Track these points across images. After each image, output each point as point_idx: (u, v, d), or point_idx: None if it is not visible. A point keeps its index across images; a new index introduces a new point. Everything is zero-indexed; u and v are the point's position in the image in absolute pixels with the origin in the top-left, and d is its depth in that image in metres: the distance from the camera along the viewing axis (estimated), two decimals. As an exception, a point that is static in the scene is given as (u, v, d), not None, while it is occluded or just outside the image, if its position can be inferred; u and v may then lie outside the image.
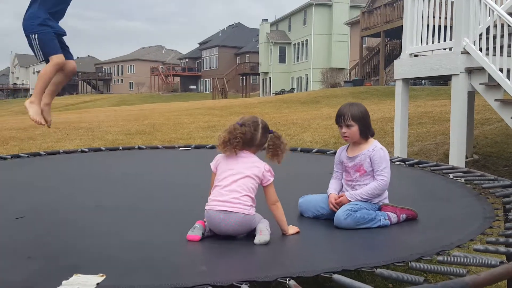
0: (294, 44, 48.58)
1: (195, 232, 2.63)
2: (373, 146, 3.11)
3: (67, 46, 3.76)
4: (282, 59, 49.51)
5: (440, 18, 6.89)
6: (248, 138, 2.71)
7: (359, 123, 3.10)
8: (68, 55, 3.70)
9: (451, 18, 6.59)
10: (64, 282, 1.99)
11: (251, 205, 2.65)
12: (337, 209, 3.04)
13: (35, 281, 2.08)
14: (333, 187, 3.24)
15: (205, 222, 2.71)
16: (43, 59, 3.56)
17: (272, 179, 2.72)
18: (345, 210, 2.95)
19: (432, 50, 6.86)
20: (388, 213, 3.07)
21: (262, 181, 2.71)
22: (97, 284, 1.99)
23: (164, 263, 2.36)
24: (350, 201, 3.04)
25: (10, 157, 5.77)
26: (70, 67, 3.68)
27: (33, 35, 3.55)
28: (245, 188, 2.64)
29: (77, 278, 2.03)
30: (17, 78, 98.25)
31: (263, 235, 2.59)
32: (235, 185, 2.64)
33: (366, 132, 3.13)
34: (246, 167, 2.68)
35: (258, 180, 2.69)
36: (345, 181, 3.22)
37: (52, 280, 2.01)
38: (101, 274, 2.07)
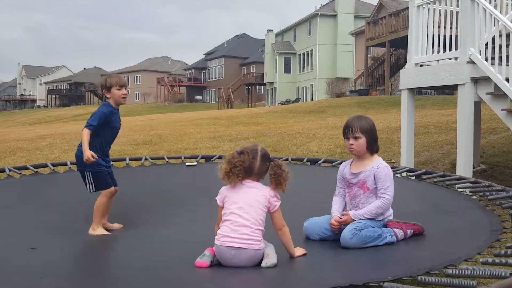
0: (299, 54, 48.68)
1: (204, 259, 2.60)
2: (378, 164, 3.09)
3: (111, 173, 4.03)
4: (287, 69, 49.60)
5: (445, 27, 6.89)
6: (246, 166, 2.68)
7: (367, 136, 3.08)
8: (113, 181, 3.97)
9: (457, 28, 6.59)
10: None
11: (261, 239, 2.63)
12: (338, 231, 3.02)
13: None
14: (336, 207, 3.20)
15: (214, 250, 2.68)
16: (94, 190, 3.81)
17: (278, 203, 2.71)
18: (351, 229, 2.92)
19: (438, 60, 6.85)
20: (394, 229, 3.04)
21: (269, 209, 2.69)
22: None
23: (171, 282, 2.36)
24: (354, 220, 3.02)
25: (18, 171, 5.74)
26: (114, 191, 3.92)
27: (88, 173, 3.83)
28: (255, 222, 2.62)
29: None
30: (24, 89, 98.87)
31: (270, 258, 2.58)
32: (245, 220, 2.61)
33: (373, 146, 3.12)
34: (252, 198, 2.66)
35: (266, 208, 2.68)
36: (348, 199, 3.19)
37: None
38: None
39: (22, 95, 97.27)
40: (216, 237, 2.65)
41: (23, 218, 4.06)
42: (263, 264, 2.56)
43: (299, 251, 2.77)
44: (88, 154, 3.70)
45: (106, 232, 3.64)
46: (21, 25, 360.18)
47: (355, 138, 3.08)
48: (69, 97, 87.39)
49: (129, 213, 4.00)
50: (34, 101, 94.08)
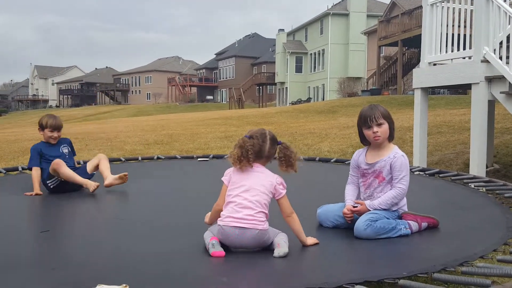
0: (311, 54, 48.61)
1: (218, 249, 2.61)
2: (394, 153, 3.05)
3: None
4: (298, 69, 49.54)
5: (459, 26, 6.85)
6: (257, 150, 2.71)
7: (389, 120, 3.06)
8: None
9: (471, 27, 6.55)
10: (88, 291, 2.01)
11: (264, 220, 2.65)
12: (351, 220, 3.02)
13: (60, 291, 2.10)
14: (349, 195, 3.19)
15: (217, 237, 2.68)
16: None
17: (284, 191, 2.73)
18: (365, 220, 2.91)
19: (452, 59, 6.81)
20: (409, 221, 3.03)
21: (274, 195, 2.71)
22: (120, 294, 2.00)
23: (185, 275, 2.37)
24: (368, 210, 3.01)
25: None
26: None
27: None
28: (259, 205, 2.64)
29: (100, 288, 2.05)
30: (36, 89, 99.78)
31: (281, 247, 2.59)
32: (249, 202, 2.64)
33: (393, 132, 3.09)
34: (258, 183, 2.68)
35: (271, 194, 2.70)
36: (363, 188, 3.17)
37: (76, 290, 2.03)
38: (124, 285, 2.08)
39: (34, 95, 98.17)
40: (219, 218, 2.69)
41: (39, 208, 4.20)
42: (275, 253, 2.57)
43: (311, 240, 2.77)
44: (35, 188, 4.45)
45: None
46: (33, 26, 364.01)
47: (379, 125, 3.03)
48: (81, 97, 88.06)
49: (138, 206, 4.03)
50: (46, 101, 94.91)
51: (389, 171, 3.04)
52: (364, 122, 3.07)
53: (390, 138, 3.10)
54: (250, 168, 2.72)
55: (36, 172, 4.56)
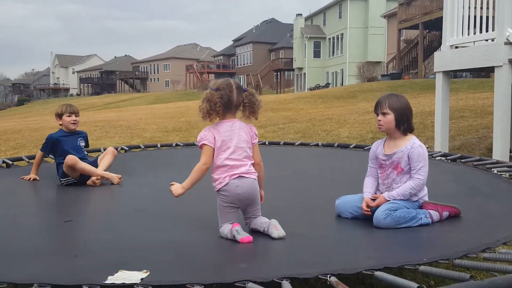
0: (329, 39, 48.14)
1: (244, 234, 2.62)
2: (412, 143, 3.01)
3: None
4: (317, 54, 49.12)
5: (481, 8, 6.70)
6: (226, 101, 2.74)
7: (396, 113, 3.00)
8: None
9: (493, 8, 6.40)
10: (109, 277, 2.04)
11: (254, 171, 2.77)
12: (370, 213, 2.99)
13: (82, 276, 2.13)
14: (368, 188, 3.15)
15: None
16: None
17: (257, 139, 2.85)
18: (385, 209, 2.88)
19: (474, 42, 6.68)
20: (430, 211, 2.99)
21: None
22: (141, 279, 2.02)
23: (204, 261, 2.39)
24: (387, 201, 2.97)
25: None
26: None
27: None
28: (248, 157, 2.76)
29: (122, 274, 2.08)
30: (58, 78, 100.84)
31: (279, 229, 2.65)
32: (240, 162, 2.72)
33: (402, 124, 3.03)
34: (241, 140, 2.75)
35: (251, 145, 2.80)
36: (381, 180, 3.14)
37: (98, 275, 2.06)
38: (145, 271, 2.11)
39: (55, 84, 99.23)
40: (218, 181, 2.71)
41: (60, 197, 4.26)
42: (275, 235, 2.62)
43: (262, 192, 2.85)
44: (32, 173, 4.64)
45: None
46: (53, 15, 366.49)
47: (383, 114, 3.03)
48: (101, 86, 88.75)
49: (157, 196, 4.06)
50: (67, 89, 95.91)
51: (407, 162, 3.00)
52: (374, 108, 3.12)
53: (407, 129, 3.06)
54: (227, 124, 2.76)
55: (39, 156, 4.70)
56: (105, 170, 4.60)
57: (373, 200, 3.04)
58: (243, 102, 2.79)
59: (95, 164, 4.68)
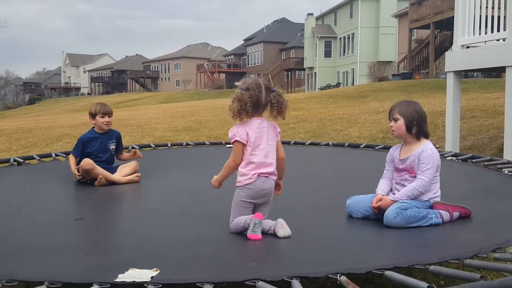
0: (340, 38, 48.01)
1: (258, 232, 2.66)
2: (423, 147, 3.04)
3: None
4: (327, 54, 49.01)
5: (493, 8, 6.66)
6: (255, 101, 2.79)
7: (405, 118, 3.06)
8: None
9: (505, 8, 6.36)
10: (120, 275, 2.06)
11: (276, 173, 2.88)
12: (377, 211, 3.01)
13: (93, 274, 2.15)
14: (381, 188, 3.18)
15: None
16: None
17: (279, 137, 2.95)
18: (395, 208, 2.90)
19: (485, 41, 6.64)
20: (440, 211, 2.99)
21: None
22: (152, 277, 2.04)
23: (214, 259, 2.40)
24: (390, 204, 2.98)
25: (64, 155, 5.96)
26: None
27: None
28: (274, 156, 2.85)
29: (132, 272, 2.09)
30: (69, 77, 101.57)
31: (285, 228, 2.69)
32: (271, 157, 2.82)
33: (413, 129, 3.06)
34: (269, 136, 2.83)
35: (275, 142, 2.88)
36: (395, 180, 3.17)
37: (108, 274, 2.08)
38: (155, 269, 2.12)
39: (66, 83, 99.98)
40: (247, 176, 2.77)
41: (71, 195, 4.30)
42: (281, 234, 2.66)
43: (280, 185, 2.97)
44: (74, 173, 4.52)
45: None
46: (65, 14, 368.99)
47: (394, 119, 3.11)
48: (112, 85, 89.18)
49: (168, 194, 4.08)
50: (78, 88, 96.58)
51: (418, 165, 3.03)
52: (388, 116, 3.20)
53: (420, 134, 3.08)
54: (257, 122, 2.82)
55: (72, 160, 4.59)
56: (124, 174, 4.58)
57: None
58: (270, 102, 2.85)
59: (115, 170, 4.64)
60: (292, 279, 1.95)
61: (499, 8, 6.55)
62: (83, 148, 4.61)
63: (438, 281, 2.89)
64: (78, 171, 4.47)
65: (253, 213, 2.81)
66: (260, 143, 2.80)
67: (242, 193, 2.80)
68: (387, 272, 2.00)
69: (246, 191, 2.78)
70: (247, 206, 2.80)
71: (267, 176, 2.80)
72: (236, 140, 2.80)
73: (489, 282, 1.67)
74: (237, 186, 2.83)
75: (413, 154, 3.05)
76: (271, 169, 2.82)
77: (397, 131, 3.10)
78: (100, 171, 4.43)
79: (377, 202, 3.04)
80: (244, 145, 2.79)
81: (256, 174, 2.77)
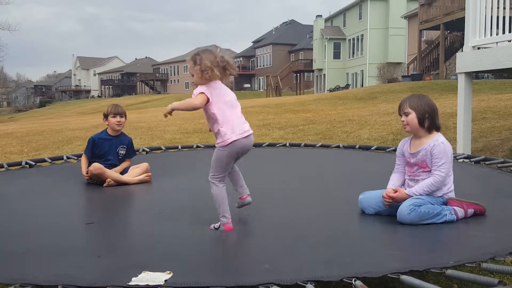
0: (349, 40, 47.89)
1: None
2: (434, 141, 3.01)
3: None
4: (336, 55, 48.91)
5: (504, 8, 6.60)
6: (219, 65, 3.02)
7: (417, 111, 3.03)
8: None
9: (517, 8, 6.30)
10: (133, 278, 2.05)
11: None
12: (390, 202, 2.99)
13: (106, 277, 2.15)
14: (393, 181, 3.17)
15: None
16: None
17: None
18: (409, 204, 2.88)
19: (497, 42, 6.58)
20: (455, 207, 2.96)
21: None
22: (165, 280, 2.03)
23: (227, 262, 2.40)
24: (405, 198, 2.96)
25: (76, 158, 5.99)
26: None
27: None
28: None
29: (145, 275, 2.09)
30: (79, 80, 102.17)
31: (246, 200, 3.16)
32: (242, 118, 3.08)
33: (426, 122, 3.03)
34: (233, 95, 3.10)
35: None
36: (408, 177, 3.14)
37: (122, 277, 2.08)
38: (168, 272, 2.12)
39: (77, 85, 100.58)
40: (228, 135, 2.96)
41: (83, 196, 4.33)
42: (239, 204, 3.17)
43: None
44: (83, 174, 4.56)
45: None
46: (75, 18, 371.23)
47: (405, 114, 3.08)
48: (122, 87, 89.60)
49: (176, 197, 4.08)
50: (88, 91, 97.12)
51: (431, 159, 3.00)
52: (398, 111, 3.17)
53: (431, 127, 3.05)
54: (219, 83, 3.03)
55: (84, 160, 4.64)
56: (133, 175, 4.61)
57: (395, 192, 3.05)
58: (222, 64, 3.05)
59: (124, 172, 4.65)
60: (306, 283, 1.94)
61: (510, 8, 6.49)
62: (93, 148, 4.65)
63: (451, 284, 2.86)
64: (87, 173, 4.50)
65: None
66: (232, 102, 3.05)
67: (226, 151, 2.98)
68: (403, 277, 1.98)
69: (232, 147, 2.97)
70: (231, 161, 3.03)
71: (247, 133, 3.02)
72: (202, 93, 2.97)
73: None
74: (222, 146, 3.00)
75: (424, 148, 3.02)
76: (247, 126, 3.07)
77: (410, 125, 3.07)
78: (110, 174, 4.45)
79: (388, 196, 3.02)
80: (207, 98, 2.95)
81: (239, 134, 2.98)
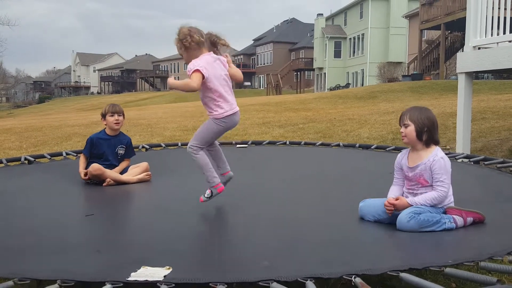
0: (350, 39, 47.87)
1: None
2: (433, 156, 3.00)
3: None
4: (337, 54, 48.89)
5: (505, 9, 6.60)
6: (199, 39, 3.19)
7: (416, 124, 3.03)
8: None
9: (518, 9, 6.30)
10: (132, 274, 2.06)
11: None
12: (391, 210, 2.99)
13: (105, 272, 2.15)
14: (393, 192, 3.16)
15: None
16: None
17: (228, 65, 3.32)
18: (409, 212, 2.88)
19: (497, 43, 6.58)
20: (454, 216, 2.96)
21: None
22: (164, 276, 2.04)
23: (227, 258, 2.39)
24: (406, 207, 2.96)
25: (75, 154, 5.99)
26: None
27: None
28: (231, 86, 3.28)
29: (145, 271, 2.09)
30: (79, 76, 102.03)
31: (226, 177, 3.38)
32: (231, 93, 3.27)
33: (424, 136, 3.03)
34: (223, 73, 3.24)
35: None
36: (407, 191, 3.14)
37: (121, 272, 2.08)
38: (168, 267, 2.12)
39: (76, 82, 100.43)
40: (223, 109, 3.21)
41: (82, 193, 4.31)
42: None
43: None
44: (81, 174, 4.53)
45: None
46: (75, 14, 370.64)
47: (405, 125, 3.08)
48: (121, 84, 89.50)
49: (182, 191, 4.08)
50: (88, 87, 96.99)
51: (430, 174, 3.00)
52: (399, 121, 3.18)
53: (429, 141, 3.05)
54: (210, 58, 3.18)
55: (83, 159, 4.62)
56: (132, 174, 4.60)
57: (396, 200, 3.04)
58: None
59: (126, 171, 4.65)
60: (306, 280, 1.94)
61: (511, 9, 6.48)
62: (91, 148, 4.64)
63: (449, 283, 2.87)
64: (86, 174, 4.49)
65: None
66: (224, 77, 3.23)
67: (218, 124, 3.22)
68: (402, 274, 1.99)
69: (224, 122, 3.22)
70: (220, 134, 3.29)
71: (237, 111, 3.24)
72: (198, 70, 3.10)
73: (506, 286, 1.65)
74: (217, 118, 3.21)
75: (423, 163, 3.02)
76: (235, 102, 3.27)
77: (408, 137, 3.07)
78: (109, 174, 4.45)
79: (390, 204, 3.02)
80: (202, 76, 3.09)
81: (231, 109, 3.20)
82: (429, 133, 3.03)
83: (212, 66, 3.15)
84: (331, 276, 2.01)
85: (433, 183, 2.99)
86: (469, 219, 2.99)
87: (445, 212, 2.99)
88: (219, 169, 3.30)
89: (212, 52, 3.24)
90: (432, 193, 2.97)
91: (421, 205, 2.95)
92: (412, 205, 2.96)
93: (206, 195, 3.03)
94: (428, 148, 3.06)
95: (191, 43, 3.14)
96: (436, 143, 3.08)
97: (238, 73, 3.41)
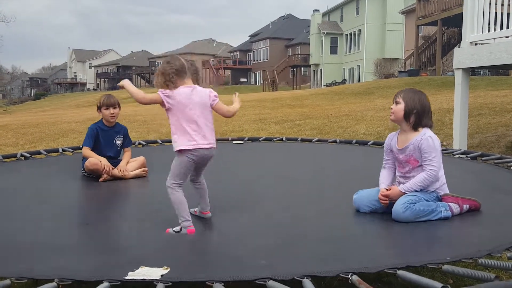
0: (346, 35, 47.83)
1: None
2: (421, 135, 3.00)
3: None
4: (333, 50, 48.85)
5: (502, 5, 6.60)
6: (177, 69, 2.91)
7: (406, 104, 3.02)
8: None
9: (515, 4, 6.30)
10: (130, 273, 2.04)
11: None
12: (387, 202, 2.98)
13: (103, 272, 2.14)
14: (383, 180, 3.16)
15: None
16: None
17: (217, 99, 3.06)
18: (404, 202, 2.87)
19: (494, 38, 6.58)
20: (450, 203, 2.96)
21: (211, 105, 3.02)
22: (162, 275, 2.03)
23: (224, 257, 2.39)
24: (400, 195, 2.95)
25: (71, 150, 5.97)
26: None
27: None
28: (210, 121, 2.99)
29: (142, 270, 2.08)
30: (75, 72, 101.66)
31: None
32: (207, 123, 2.96)
33: (411, 117, 3.01)
34: (201, 102, 2.95)
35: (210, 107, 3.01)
36: (399, 173, 3.13)
37: (118, 271, 2.07)
38: (165, 267, 2.11)
39: (72, 78, 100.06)
40: (189, 144, 2.89)
41: (80, 190, 4.30)
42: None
43: (237, 104, 3.24)
44: (106, 168, 4.42)
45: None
46: (71, 10, 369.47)
47: (396, 102, 3.07)
48: (117, 80, 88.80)
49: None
50: (84, 84, 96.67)
51: (420, 154, 2.99)
52: (393, 98, 3.17)
53: (418, 123, 3.03)
54: (187, 91, 2.92)
55: (88, 150, 4.53)
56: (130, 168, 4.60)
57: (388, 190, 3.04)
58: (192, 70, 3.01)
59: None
60: (303, 278, 1.94)
61: (508, 5, 6.49)
62: (95, 136, 4.57)
63: (447, 280, 2.87)
64: (83, 168, 4.48)
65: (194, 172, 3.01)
66: (196, 109, 2.91)
67: (187, 158, 2.91)
68: (400, 272, 1.98)
69: (192, 156, 2.91)
70: (191, 169, 2.95)
71: (208, 148, 2.94)
72: (160, 93, 2.93)
73: (505, 283, 1.65)
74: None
75: (412, 143, 3.01)
76: (210, 137, 2.97)
77: (395, 114, 3.07)
78: (106, 169, 4.42)
79: (384, 196, 3.01)
80: (161, 100, 2.89)
81: (199, 143, 2.89)
82: (417, 116, 3.02)
83: (182, 102, 2.95)
84: (328, 274, 2.00)
85: (422, 162, 2.98)
86: (465, 207, 2.99)
87: (440, 199, 2.99)
88: (199, 206, 3.14)
89: (195, 86, 3.05)
90: (421, 175, 2.96)
91: (413, 190, 2.94)
92: (405, 193, 2.94)
93: (175, 229, 2.85)
94: (416, 131, 3.05)
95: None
96: (425, 126, 3.06)
97: (225, 109, 3.18)
